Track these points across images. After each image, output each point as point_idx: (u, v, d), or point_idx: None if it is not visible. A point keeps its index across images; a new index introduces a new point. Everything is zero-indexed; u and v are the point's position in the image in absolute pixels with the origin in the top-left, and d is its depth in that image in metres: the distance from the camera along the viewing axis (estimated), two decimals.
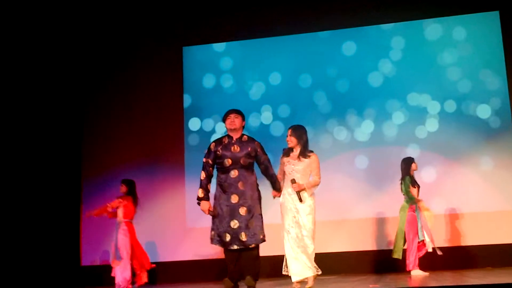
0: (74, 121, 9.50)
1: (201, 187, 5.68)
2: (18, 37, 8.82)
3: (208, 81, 9.26)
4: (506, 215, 8.08)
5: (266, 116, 8.98)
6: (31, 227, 8.69)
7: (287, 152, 5.82)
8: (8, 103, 8.69)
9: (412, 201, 7.31)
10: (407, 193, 7.33)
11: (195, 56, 9.37)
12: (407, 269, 7.24)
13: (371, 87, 8.76)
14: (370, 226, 8.41)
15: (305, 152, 5.76)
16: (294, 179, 5.68)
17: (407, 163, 7.46)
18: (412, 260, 7.22)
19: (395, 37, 8.79)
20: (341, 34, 8.95)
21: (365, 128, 8.69)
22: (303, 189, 5.69)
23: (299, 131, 5.79)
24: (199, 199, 5.67)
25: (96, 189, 9.22)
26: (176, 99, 9.29)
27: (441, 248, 7.22)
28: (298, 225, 5.65)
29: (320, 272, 5.71)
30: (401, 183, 7.42)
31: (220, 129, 8.88)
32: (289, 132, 5.81)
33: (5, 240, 8.32)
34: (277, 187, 5.80)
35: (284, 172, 5.85)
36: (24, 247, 8.52)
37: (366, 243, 8.38)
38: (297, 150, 5.78)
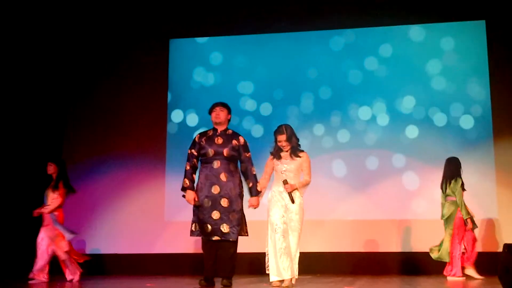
0: (57, 110, 9.43)
1: (185, 177, 5.73)
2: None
3: (193, 74, 9.23)
4: (486, 224, 8.15)
5: (250, 112, 8.97)
6: (8, 217, 8.62)
7: (277, 153, 5.81)
8: None
9: (461, 205, 6.96)
10: (459, 196, 6.95)
11: (181, 49, 9.34)
12: (448, 273, 6.99)
13: (355, 90, 8.77)
14: (347, 228, 8.46)
15: (296, 151, 5.76)
16: (286, 180, 5.67)
17: (458, 163, 7.10)
18: (456, 264, 6.94)
19: (382, 41, 8.83)
20: (328, 35, 8.95)
21: (346, 130, 8.70)
22: (295, 189, 5.69)
23: (290, 131, 5.79)
24: (183, 189, 5.71)
25: (76, 178, 9.14)
26: (160, 92, 9.25)
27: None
28: (285, 224, 5.65)
29: (296, 277, 5.73)
30: (446, 184, 7.04)
31: (204, 124, 8.86)
32: (282, 137, 5.77)
33: None
34: (254, 191, 5.76)
35: (270, 173, 5.85)
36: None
37: (343, 245, 8.43)
38: (287, 150, 5.77)
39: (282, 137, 5.75)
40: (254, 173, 5.80)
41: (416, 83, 8.63)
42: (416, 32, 8.76)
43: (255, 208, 5.80)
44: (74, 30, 9.59)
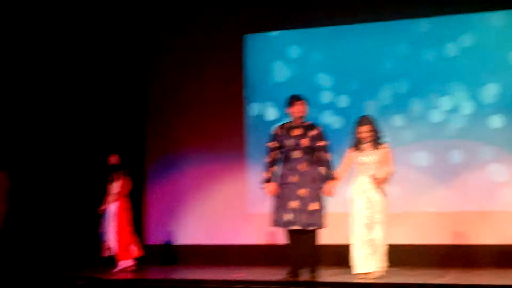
0: (139, 105, 9.67)
1: (265, 169, 5.84)
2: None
3: (269, 68, 9.19)
4: None
5: (327, 104, 8.91)
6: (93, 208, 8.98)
7: (357, 144, 5.76)
8: (75, 87, 9.00)
9: None
10: None
11: (257, 42, 9.33)
12: None
13: (434, 79, 8.50)
14: (432, 220, 8.27)
15: (378, 143, 5.70)
16: (374, 175, 5.62)
17: None
18: None
19: (462, 28, 8.52)
20: (405, 24, 8.68)
21: (427, 121, 8.45)
22: (384, 182, 5.63)
23: (372, 122, 5.73)
24: (263, 181, 5.79)
25: (160, 171, 9.42)
26: (238, 84, 9.29)
27: None
28: (369, 216, 5.60)
29: (383, 269, 5.65)
30: None
31: (282, 115, 8.87)
32: (363, 124, 5.71)
33: (70, 219, 8.62)
34: (328, 177, 5.72)
35: (349, 165, 5.80)
36: (88, 227, 8.79)
37: (429, 237, 8.26)
38: (369, 141, 5.71)
39: (363, 128, 5.70)
40: (329, 159, 5.78)
41: (499, 71, 8.28)
42: (498, 18, 8.39)
43: (329, 196, 5.76)
44: (151, 27, 9.77)
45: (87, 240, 8.49)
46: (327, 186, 5.75)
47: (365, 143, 5.73)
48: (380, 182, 5.58)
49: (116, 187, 7.47)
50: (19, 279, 6.29)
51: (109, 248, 7.45)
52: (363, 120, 5.77)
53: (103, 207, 7.54)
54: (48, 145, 8.86)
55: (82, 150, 9.04)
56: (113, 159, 7.57)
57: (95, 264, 8.02)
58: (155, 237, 9.30)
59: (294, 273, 5.80)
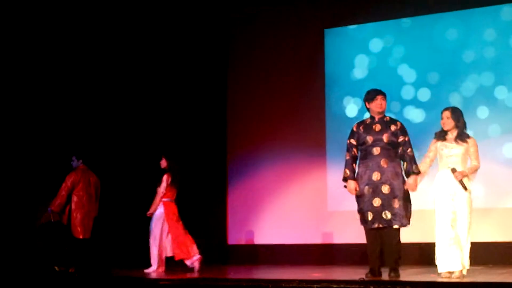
0: (218, 103, 9.86)
1: (346, 167, 5.80)
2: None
3: (350, 63, 9.16)
4: None
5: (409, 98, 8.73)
6: (181, 207, 9.17)
7: (441, 135, 5.63)
8: (154, 88, 9.23)
9: None
10: None
11: (337, 38, 9.31)
12: None
13: None
14: None
15: (463, 136, 5.55)
16: (454, 168, 5.48)
17: None
18: None
19: None
20: (490, 12, 8.42)
21: None
22: (466, 176, 5.48)
23: (457, 113, 5.59)
24: (345, 179, 5.78)
25: (241, 171, 9.57)
26: (318, 80, 9.30)
27: None
28: (453, 213, 5.45)
29: (467, 268, 5.49)
30: None
31: (363, 111, 8.78)
32: (447, 114, 5.59)
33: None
34: (410, 171, 5.62)
35: (432, 158, 5.68)
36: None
37: None
38: (453, 134, 5.58)
39: (445, 113, 5.59)
40: (411, 154, 5.67)
41: None
42: None
43: (412, 191, 5.66)
44: (228, 24, 9.92)
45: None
46: (410, 180, 5.65)
47: (450, 134, 5.58)
48: (461, 176, 5.43)
49: (158, 191, 7.62)
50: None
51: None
52: (447, 107, 5.68)
53: (150, 211, 7.65)
54: (131, 147, 9.14)
55: (164, 152, 9.27)
56: (162, 163, 7.71)
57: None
58: (237, 237, 9.48)
59: (375, 272, 5.74)
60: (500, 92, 8.30)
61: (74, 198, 7.72)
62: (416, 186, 5.67)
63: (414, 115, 8.63)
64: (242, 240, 9.41)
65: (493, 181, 8.03)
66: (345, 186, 5.82)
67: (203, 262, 7.43)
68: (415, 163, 5.66)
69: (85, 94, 8.61)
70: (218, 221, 9.52)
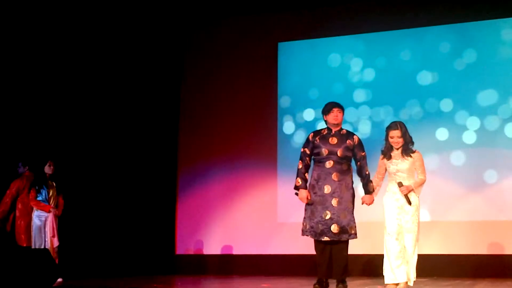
0: (170, 114, 9.77)
1: (298, 176, 5.79)
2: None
3: (305, 76, 9.21)
4: None
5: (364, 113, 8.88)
6: (129, 215, 9.06)
7: (387, 152, 5.68)
8: (106, 97, 9.09)
9: None
10: None
11: (290, 51, 9.36)
12: None
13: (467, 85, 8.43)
14: (464, 229, 8.16)
15: (408, 151, 5.62)
16: (400, 182, 5.55)
17: None
18: None
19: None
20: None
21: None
22: (411, 190, 5.57)
23: (404, 130, 5.65)
24: (296, 187, 5.78)
25: (192, 179, 9.50)
26: (270, 94, 9.34)
27: None
28: (399, 226, 5.52)
29: (414, 280, 5.54)
30: None
31: (314, 124, 8.88)
32: (397, 133, 5.61)
33: (105, 227, 8.72)
34: (369, 189, 5.72)
35: (383, 173, 5.75)
36: (121, 235, 8.90)
37: (460, 246, 8.14)
38: (399, 149, 5.65)
39: (395, 133, 5.60)
40: (368, 173, 5.74)
41: None
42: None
43: (368, 205, 5.72)
44: (183, 36, 9.89)
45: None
46: (366, 199, 5.72)
47: (395, 150, 5.65)
48: (407, 191, 5.51)
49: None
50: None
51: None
52: (393, 125, 5.70)
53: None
54: (82, 155, 8.97)
55: (116, 161, 9.14)
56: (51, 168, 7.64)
57: None
58: (186, 247, 9.39)
59: (322, 283, 5.77)
60: (446, 105, 8.49)
61: (19, 205, 7.54)
62: (371, 201, 5.74)
63: (367, 130, 8.72)
64: (191, 250, 9.34)
65: (438, 195, 8.19)
66: (297, 194, 5.82)
67: (150, 272, 7.34)
68: (371, 182, 5.73)
69: (33, 101, 8.39)
70: (166, 231, 9.41)
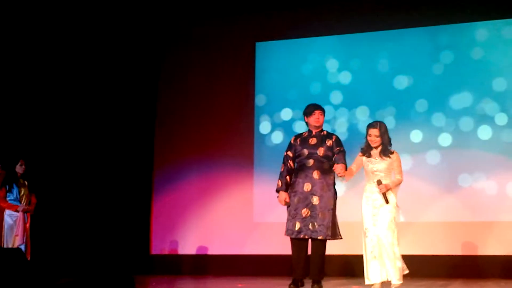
0: (147, 114, 9.71)
1: (279, 178, 5.85)
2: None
3: (282, 76, 9.21)
4: None
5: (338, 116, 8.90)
6: (104, 215, 8.98)
7: (367, 151, 5.71)
8: (80, 96, 9.00)
9: None
10: None
11: (268, 51, 9.36)
12: None
13: (445, 88, 8.51)
14: (438, 230, 8.23)
15: (386, 151, 5.65)
16: (379, 180, 5.57)
17: None
18: None
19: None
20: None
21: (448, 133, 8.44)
22: (389, 189, 5.59)
23: (383, 130, 5.68)
24: (277, 190, 5.80)
25: (168, 179, 9.44)
26: (247, 93, 9.34)
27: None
28: (376, 226, 5.53)
29: (399, 281, 5.55)
30: None
31: (291, 124, 8.89)
32: (375, 132, 5.66)
33: (79, 227, 8.64)
34: (343, 161, 5.67)
35: (357, 168, 5.76)
36: (96, 235, 8.82)
37: (434, 247, 8.21)
38: (378, 149, 5.67)
39: (373, 131, 5.64)
40: (344, 161, 5.72)
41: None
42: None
43: (339, 174, 5.63)
44: (161, 36, 9.83)
45: None
46: (338, 167, 5.63)
47: (375, 150, 5.67)
48: (385, 189, 5.53)
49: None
50: None
51: None
52: (374, 123, 5.74)
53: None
54: (59, 154, 8.87)
55: (91, 160, 9.06)
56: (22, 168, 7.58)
57: None
58: (161, 247, 9.33)
59: (297, 283, 5.77)
60: (421, 106, 8.55)
61: None
62: (343, 171, 5.64)
63: (343, 130, 8.75)
64: (166, 250, 9.28)
65: (413, 196, 8.25)
66: (278, 197, 5.86)
67: (124, 272, 7.27)
68: (345, 160, 5.73)
69: (4, 100, 8.28)
70: (141, 231, 9.34)
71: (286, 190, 5.79)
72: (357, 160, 5.74)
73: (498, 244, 7.97)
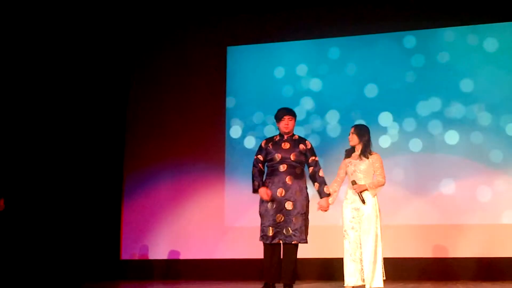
0: (118, 117, 9.62)
1: (254, 180, 5.78)
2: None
3: (251, 80, 9.21)
4: None
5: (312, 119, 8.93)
6: (73, 220, 8.86)
7: (349, 152, 5.74)
8: (52, 97, 8.87)
9: None
10: None
11: (239, 55, 9.34)
12: None
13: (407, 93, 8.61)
14: (409, 233, 8.30)
15: (366, 152, 5.66)
16: (354, 180, 5.57)
17: None
18: None
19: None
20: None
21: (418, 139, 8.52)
22: (365, 190, 5.59)
23: (361, 130, 5.71)
24: (255, 189, 5.75)
25: (138, 184, 9.35)
26: (218, 98, 9.31)
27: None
28: (354, 229, 5.54)
29: (379, 286, 5.56)
30: None
31: (262, 128, 8.89)
32: (352, 130, 5.71)
33: (48, 232, 8.50)
34: (325, 192, 5.72)
35: (343, 176, 5.77)
36: (66, 240, 8.69)
37: (404, 250, 8.27)
38: (358, 150, 5.70)
39: (351, 130, 5.71)
40: (322, 175, 5.76)
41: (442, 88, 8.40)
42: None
43: (325, 211, 5.73)
44: (132, 41, 9.77)
45: None
46: (322, 202, 5.73)
47: (356, 151, 5.69)
48: (359, 189, 5.54)
49: None
50: None
51: None
52: (354, 125, 5.80)
53: None
54: (26, 159, 8.73)
55: (60, 164, 8.93)
56: None
57: None
58: (132, 252, 9.22)
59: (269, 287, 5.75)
60: (389, 112, 8.62)
61: None
62: (328, 206, 5.74)
63: (314, 135, 8.76)
64: (136, 255, 9.18)
65: (384, 199, 8.27)
66: (259, 193, 5.73)
67: (96, 278, 7.19)
68: (326, 184, 5.75)
69: None
70: (111, 236, 9.24)
71: (264, 186, 5.74)
72: (342, 166, 5.78)
73: (467, 246, 8.07)
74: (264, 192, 5.71)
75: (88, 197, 9.08)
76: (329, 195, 5.74)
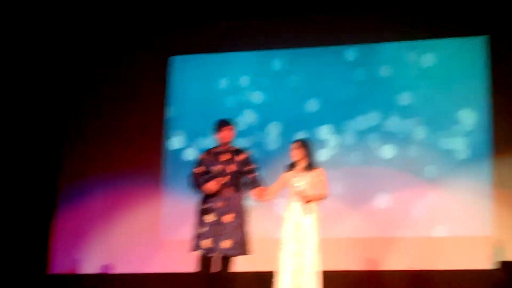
0: (56, 127, 9.40)
1: (196, 185, 5.70)
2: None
3: (192, 91, 9.15)
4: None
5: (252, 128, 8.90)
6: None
7: (291, 166, 5.76)
8: None
9: None
10: None
11: (181, 65, 9.28)
12: None
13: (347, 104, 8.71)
14: (342, 246, 8.37)
15: (310, 166, 5.69)
16: (299, 191, 5.58)
17: None
18: None
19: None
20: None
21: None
22: (311, 200, 5.59)
23: (305, 145, 5.74)
24: (203, 189, 5.64)
25: (75, 193, 9.13)
26: (157, 109, 9.22)
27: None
28: (293, 242, 5.54)
29: None
30: None
31: (203, 140, 8.81)
32: (294, 145, 5.72)
33: None
34: (258, 184, 5.67)
35: (281, 185, 5.76)
36: None
37: (338, 263, 8.31)
38: (302, 164, 5.70)
39: (294, 145, 5.73)
40: (258, 179, 5.73)
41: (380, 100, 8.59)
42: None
43: (260, 199, 5.65)
44: (73, 48, 9.61)
45: None
46: (256, 190, 5.66)
47: (299, 166, 5.71)
48: (308, 199, 5.55)
49: None
50: None
51: None
52: (296, 140, 5.81)
53: None
54: None
55: None
56: None
57: None
58: (62, 266, 8.94)
59: None
60: (328, 127, 8.72)
61: None
62: (261, 195, 5.66)
63: (256, 147, 8.73)
64: (67, 269, 8.90)
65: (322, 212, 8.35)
66: (207, 187, 5.66)
67: None
68: (262, 186, 5.72)
69: None
70: (38, 250, 8.95)
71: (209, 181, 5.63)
72: (282, 178, 5.77)
73: (401, 259, 8.21)
74: (212, 184, 5.60)
75: (16, 209, 8.79)
76: (260, 186, 5.68)
